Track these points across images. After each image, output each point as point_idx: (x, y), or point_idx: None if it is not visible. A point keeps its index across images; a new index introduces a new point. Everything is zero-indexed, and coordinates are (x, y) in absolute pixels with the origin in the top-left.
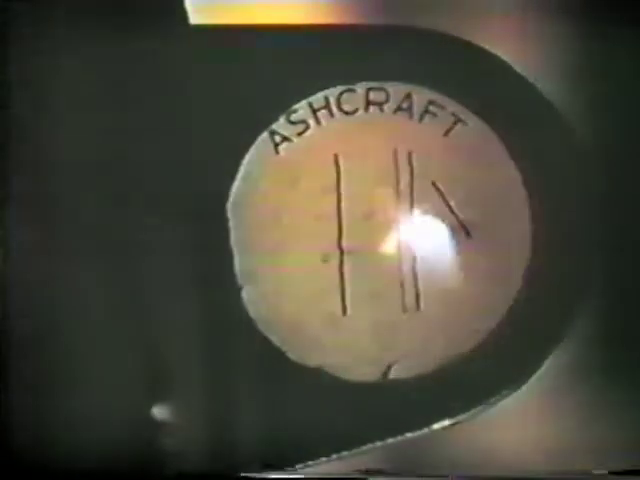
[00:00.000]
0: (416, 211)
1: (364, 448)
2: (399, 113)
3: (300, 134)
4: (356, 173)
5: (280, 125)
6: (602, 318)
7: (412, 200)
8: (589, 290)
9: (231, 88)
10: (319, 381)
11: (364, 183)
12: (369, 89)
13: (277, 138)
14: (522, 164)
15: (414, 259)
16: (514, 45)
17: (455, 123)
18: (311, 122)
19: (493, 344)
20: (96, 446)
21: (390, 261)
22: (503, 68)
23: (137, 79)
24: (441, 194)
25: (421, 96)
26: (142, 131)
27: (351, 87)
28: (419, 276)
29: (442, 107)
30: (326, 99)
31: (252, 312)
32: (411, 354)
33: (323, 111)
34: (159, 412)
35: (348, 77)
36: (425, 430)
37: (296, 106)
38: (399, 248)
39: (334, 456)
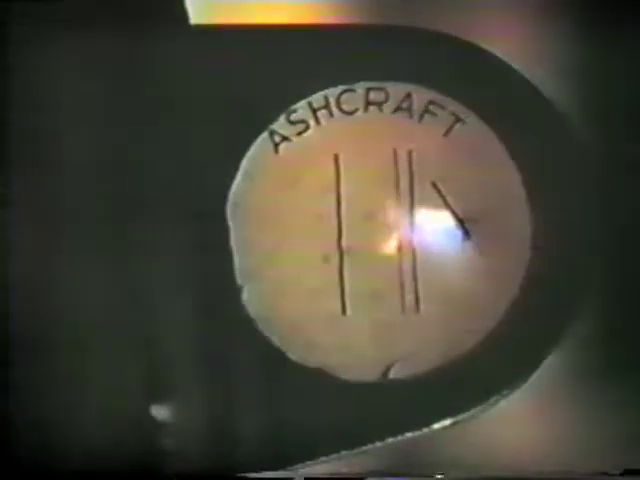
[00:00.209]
0: (416, 211)
1: (364, 448)
2: (399, 113)
3: (300, 134)
4: (356, 173)
5: (280, 125)
6: (602, 318)
7: (412, 200)
8: (589, 290)
9: (231, 88)
10: (319, 381)
11: (364, 183)
12: (369, 89)
13: (277, 138)
14: (522, 164)
15: (414, 259)
16: (514, 45)
17: (455, 123)
18: (311, 122)
19: (493, 344)
20: (96, 446)
21: (390, 261)
22: (503, 68)
23: (137, 79)
24: (441, 194)
25: (421, 96)
26: (142, 131)
27: (351, 87)
28: (419, 276)
29: (442, 107)
30: (326, 99)
31: (252, 312)
32: (411, 354)
33: (323, 111)
34: (159, 412)
35: (348, 77)
36: (425, 430)
37: (296, 106)
38: (399, 248)
39: (334, 456)
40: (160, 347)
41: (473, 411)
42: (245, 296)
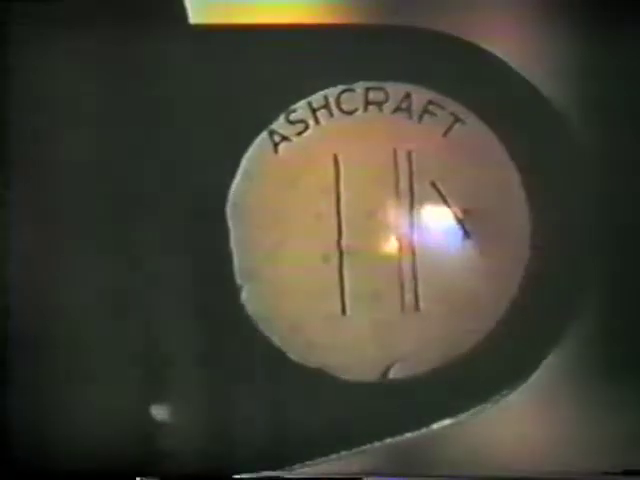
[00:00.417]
0: (415, 211)
1: (363, 448)
2: (398, 113)
3: (299, 134)
4: (355, 173)
5: (279, 125)
6: (602, 318)
7: (411, 200)
8: (589, 290)
9: (230, 88)
10: (319, 381)
11: (363, 183)
12: (368, 89)
13: (276, 138)
14: (521, 164)
15: (413, 259)
16: (514, 45)
17: (454, 123)
18: (310, 122)
19: (492, 344)
20: (95, 446)
21: (389, 261)
22: (502, 68)
23: (137, 79)
24: (440, 194)
25: (420, 96)
26: (142, 131)
27: (350, 87)
28: (418, 276)
29: (441, 107)
30: (325, 99)
31: (252, 312)
32: (410, 354)
33: (322, 111)
34: (159, 412)
35: (347, 77)
36: (425, 430)
37: (295, 106)
38: (398, 248)
39: (334, 456)
40: (160, 347)
41: (473, 411)
42: (245, 296)
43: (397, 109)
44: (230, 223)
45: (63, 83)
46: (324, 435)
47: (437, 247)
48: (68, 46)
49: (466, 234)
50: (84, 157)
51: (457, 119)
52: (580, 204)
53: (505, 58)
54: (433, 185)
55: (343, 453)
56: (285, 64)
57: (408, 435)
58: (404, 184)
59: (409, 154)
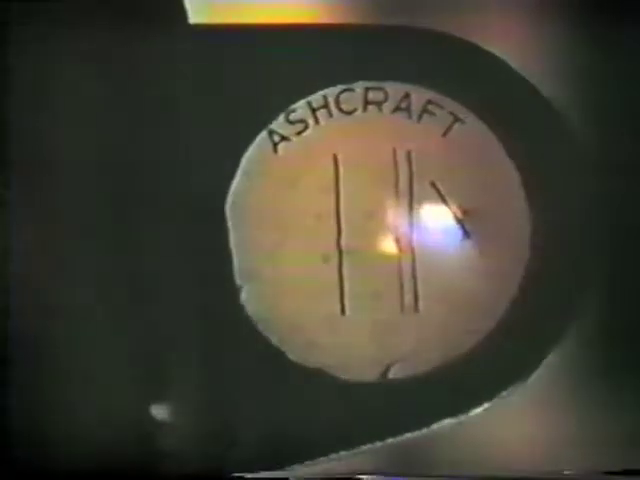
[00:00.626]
0: (415, 211)
1: (363, 448)
2: (398, 113)
3: (299, 134)
4: (355, 173)
5: (279, 124)
6: (602, 318)
7: (411, 200)
8: (589, 290)
9: (230, 87)
10: (318, 381)
11: (363, 183)
12: (367, 89)
13: (276, 137)
14: (521, 164)
15: (413, 259)
16: (514, 45)
17: (454, 123)
18: (310, 122)
19: (492, 344)
20: (95, 446)
21: (389, 261)
22: (502, 67)
23: (137, 78)
24: (440, 193)
25: (419, 96)
26: (142, 131)
27: (350, 87)
28: (418, 276)
29: (441, 107)
30: (325, 99)
31: (251, 312)
32: (410, 354)
33: (322, 111)
34: (158, 412)
35: (347, 77)
36: (425, 430)
37: (295, 106)
38: (398, 248)
39: (333, 456)
40: (159, 347)
41: (473, 411)
42: (244, 296)
43: (396, 109)
44: (230, 223)
45: (63, 83)
46: (324, 435)
47: (437, 247)
48: (68, 46)
49: (466, 234)
50: (84, 157)
51: (456, 119)
52: (580, 204)
53: (505, 58)
54: (433, 185)
55: (343, 453)
56: (285, 64)
57: (408, 435)
58: (404, 184)
59: (408, 154)
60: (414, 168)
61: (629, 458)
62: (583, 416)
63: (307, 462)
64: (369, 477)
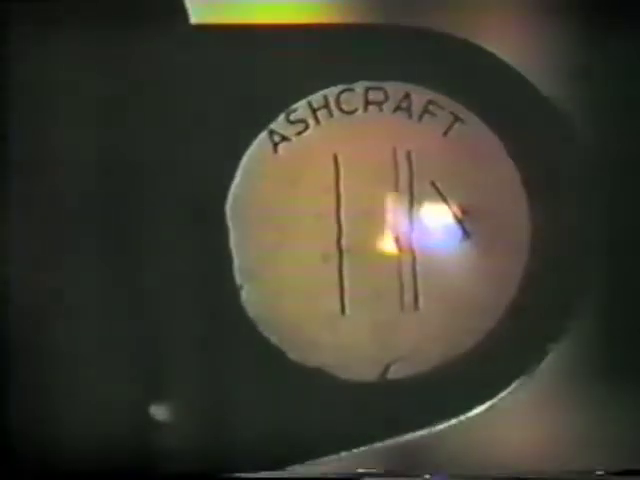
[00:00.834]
0: (415, 210)
1: (363, 448)
2: (398, 113)
3: (299, 134)
4: (355, 173)
5: (279, 124)
6: (602, 318)
7: (411, 199)
8: (589, 290)
9: (230, 87)
10: (318, 381)
11: (363, 183)
12: (368, 89)
13: (276, 138)
14: (521, 163)
15: (413, 258)
16: (514, 45)
17: (454, 122)
18: (310, 122)
19: (492, 344)
20: (95, 446)
21: (389, 261)
22: (502, 67)
23: (137, 78)
24: (440, 193)
25: (420, 96)
26: (141, 131)
27: (350, 86)
28: (418, 275)
29: (441, 107)
30: (325, 98)
31: (251, 312)
32: (410, 354)
33: (322, 111)
34: (158, 412)
35: (347, 77)
36: (425, 430)
37: (295, 105)
38: (398, 247)
39: (334, 456)
40: (159, 347)
41: (473, 411)
42: (244, 296)
43: (397, 109)
44: (230, 223)
45: (63, 83)
46: (324, 435)
47: (437, 247)
48: (68, 46)
49: (466, 234)
50: (84, 157)
51: (457, 119)
52: (580, 204)
53: (505, 58)
54: (433, 185)
55: (343, 453)
56: (285, 64)
57: (408, 435)
58: (404, 184)
59: (409, 154)
60: (414, 168)
61: (629, 458)
62: (583, 416)
63: (307, 462)
64: (369, 477)
